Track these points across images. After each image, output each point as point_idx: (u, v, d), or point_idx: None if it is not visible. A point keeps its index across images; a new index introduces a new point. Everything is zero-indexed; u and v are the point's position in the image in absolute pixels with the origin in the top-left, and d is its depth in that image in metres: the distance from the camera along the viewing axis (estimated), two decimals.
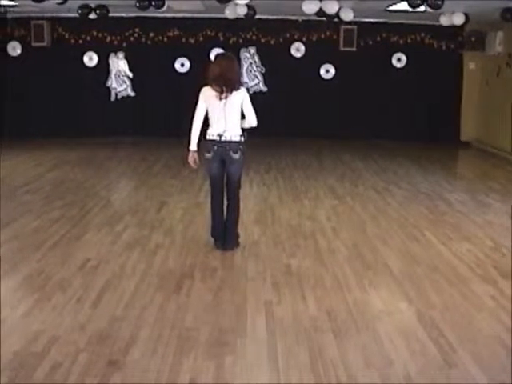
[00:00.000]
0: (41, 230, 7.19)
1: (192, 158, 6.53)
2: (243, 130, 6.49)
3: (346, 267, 6.09)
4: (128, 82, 15.74)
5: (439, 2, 9.88)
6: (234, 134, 6.37)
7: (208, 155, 6.44)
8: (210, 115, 6.43)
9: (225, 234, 6.61)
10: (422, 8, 10.38)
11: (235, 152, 6.38)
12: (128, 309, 4.92)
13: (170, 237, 7.01)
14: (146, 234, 7.10)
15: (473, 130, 15.77)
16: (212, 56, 15.08)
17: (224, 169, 6.50)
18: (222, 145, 6.36)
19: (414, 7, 10.26)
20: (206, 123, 6.47)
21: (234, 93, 6.29)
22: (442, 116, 15.82)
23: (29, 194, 9.11)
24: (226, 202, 6.67)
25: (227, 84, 6.25)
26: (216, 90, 6.28)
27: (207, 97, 6.36)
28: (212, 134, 6.39)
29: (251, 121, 6.44)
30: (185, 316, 4.82)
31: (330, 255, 6.47)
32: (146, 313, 4.85)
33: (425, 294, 5.43)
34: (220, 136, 6.34)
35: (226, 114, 6.31)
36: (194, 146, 6.48)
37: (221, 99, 6.27)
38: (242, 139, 6.44)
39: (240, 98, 6.34)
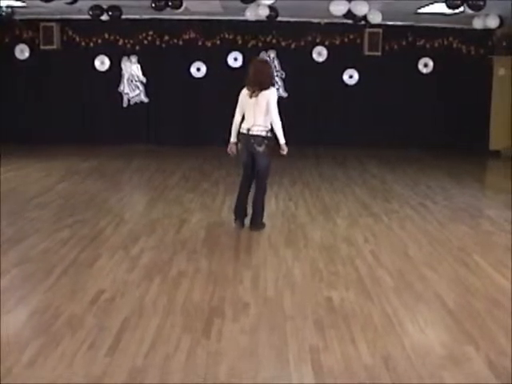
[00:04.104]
0: (50, 252, 6.48)
1: (230, 148, 7.50)
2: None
3: (394, 300, 5.33)
4: (141, 88, 15.22)
5: (481, 3, 9.14)
6: (259, 129, 7.12)
7: (240, 146, 7.34)
8: (244, 112, 7.24)
9: (252, 215, 7.53)
10: (460, 9, 9.65)
11: (259, 145, 7.15)
12: (150, 357, 4.15)
13: (193, 263, 6.23)
14: (166, 259, 6.32)
15: (503, 139, 15.07)
16: (229, 60, 14.70)
17: (252, 159, 7.31)
18: (249, 138, 7.19)
19: (452, 8, 9.51)
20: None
21: (263, 92, 7.03)
22: (470, 124, 15.22)
23: (38, 209, 8.40)
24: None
25: (257, 84, 7.05)
26: (249, 90, 7.15)
27: (243, 96, 7.25)
28: (243, 128, 7.27)
29: (272, 118, 7.06)
30: (217, 366, 4.06)
31: (375, 285, 5.71)
32: (171, 362, 4.08)
33: (490, 334, 4.67)
34: (248, 130, 7.19)
35: (254, 111, 7.08)
36: (233, 138, 7.47)
37: (251, 97, 7.10)
38: (268, 135, 7.18)
39: (266, 96, 7.03)
